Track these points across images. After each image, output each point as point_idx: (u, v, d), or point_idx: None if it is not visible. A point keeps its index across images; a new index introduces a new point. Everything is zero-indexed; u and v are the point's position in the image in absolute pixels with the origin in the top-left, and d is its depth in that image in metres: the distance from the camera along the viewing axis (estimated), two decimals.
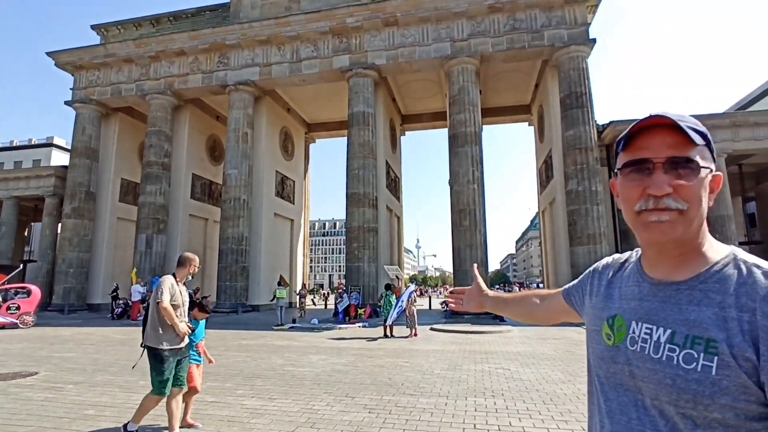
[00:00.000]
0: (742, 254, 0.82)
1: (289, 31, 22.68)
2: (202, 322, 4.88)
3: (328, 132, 33.06)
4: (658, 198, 0.80)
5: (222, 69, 24.02)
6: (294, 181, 29.75)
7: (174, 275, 4.35)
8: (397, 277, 16.46)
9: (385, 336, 13.08)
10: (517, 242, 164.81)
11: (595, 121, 20.23)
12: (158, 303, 4.04)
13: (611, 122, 20.59)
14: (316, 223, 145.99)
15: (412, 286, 15.86)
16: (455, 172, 20.42)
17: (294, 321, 17.14)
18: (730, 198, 19.79)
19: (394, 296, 14.15)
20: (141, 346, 4.22)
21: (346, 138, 22.66)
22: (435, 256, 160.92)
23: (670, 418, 0.75)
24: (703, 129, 0.83)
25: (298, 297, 22.86)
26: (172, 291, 4.15)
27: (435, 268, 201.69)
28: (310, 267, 64.58)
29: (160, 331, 4.06)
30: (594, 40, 20.15)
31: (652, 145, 0.82)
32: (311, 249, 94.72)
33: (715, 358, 0.71)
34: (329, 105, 28.66)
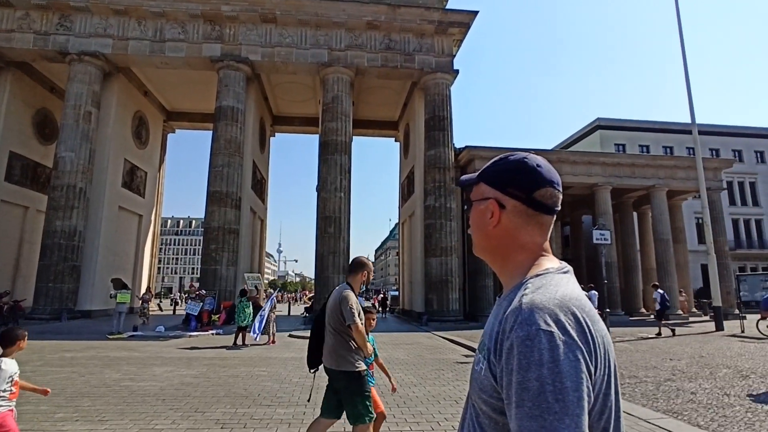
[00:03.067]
0: (539, 279, 0.89)
1: (153, 6, 20.46)
2: (372, 336, 4.11)
3: (191, 123, 30.50)
4: None
5: (63, 33, 20.53)
6: (146, 173, 26.71)
7: (349, 285, 3.67)
8: (256, 287, 15.71)
9: (235, 344, 12.41)
10: (376, 251, 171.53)
11: (454, 144, 22.30)
12: (350, 325, 3.47)
13: (467, 147, 22.87)
14: (169, 221, 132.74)
15: (274, 293, 15.43)
16: (324, 179, 20.55)
17: (135, 329, 15.31)
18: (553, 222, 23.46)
19: (249, 303, 13.41)
20: (311, 372, 3.79)
21: (210, 132, 21.21)
22: (296, 261, 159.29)
23: (474, 410, 0.91)
24: (487, 168, 1.02)
25: (141, 302, 20.43)
26: (358, 308, 3.60)
27: (296, 274, 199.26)
28: (159, 268, 58.42)
29: (353, 352, 3.55)
30: (457, 71, 22.26)
31: None
32: (161, 248, 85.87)
33: (485, 361, 0.85)
34: (193, 94, 26.50)
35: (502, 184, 0.97)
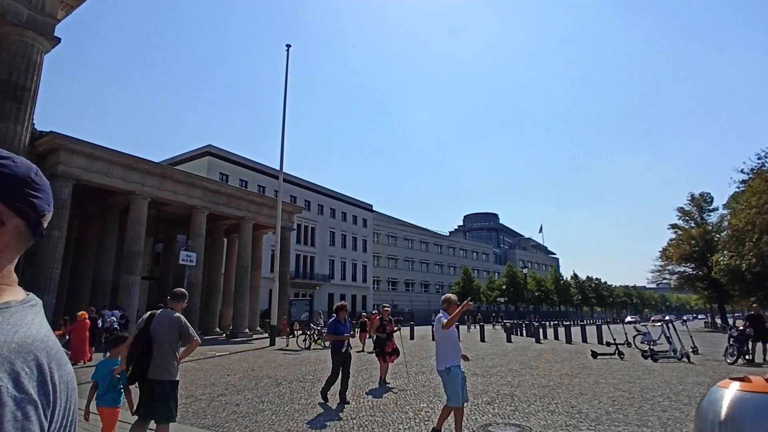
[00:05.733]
0: None
1: None
2: None
3: None
4: None
5: None
6: None
7: (174, 310, 4.68)
8: None
9: None
10: None
11: (34, 124, 17.87)
12: (192, 341, 4.56)
13: (53, 132, 18.78)
14: None
15: None
16: None
17: None
18: (145, 237, 22.23)
19: None
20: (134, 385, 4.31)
21: None
22: None
23: None
24: None
25: None
26: None
27: None
28: None
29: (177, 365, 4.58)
30: (59, 40, 18.33)
31: None
32: None
33: None
34: None
35: (9, 195, 0.74)
